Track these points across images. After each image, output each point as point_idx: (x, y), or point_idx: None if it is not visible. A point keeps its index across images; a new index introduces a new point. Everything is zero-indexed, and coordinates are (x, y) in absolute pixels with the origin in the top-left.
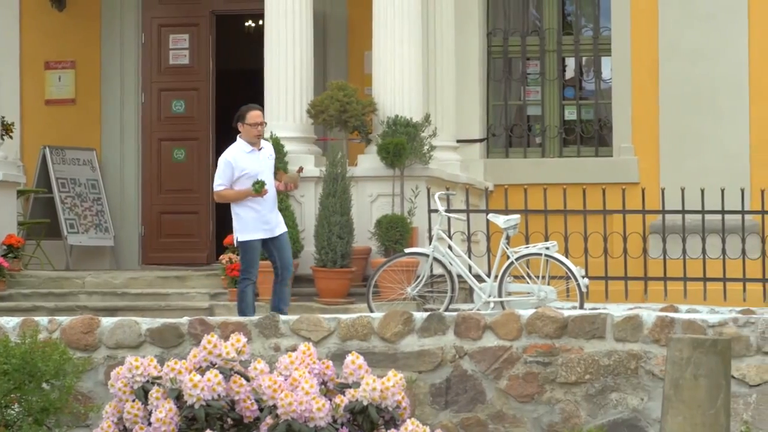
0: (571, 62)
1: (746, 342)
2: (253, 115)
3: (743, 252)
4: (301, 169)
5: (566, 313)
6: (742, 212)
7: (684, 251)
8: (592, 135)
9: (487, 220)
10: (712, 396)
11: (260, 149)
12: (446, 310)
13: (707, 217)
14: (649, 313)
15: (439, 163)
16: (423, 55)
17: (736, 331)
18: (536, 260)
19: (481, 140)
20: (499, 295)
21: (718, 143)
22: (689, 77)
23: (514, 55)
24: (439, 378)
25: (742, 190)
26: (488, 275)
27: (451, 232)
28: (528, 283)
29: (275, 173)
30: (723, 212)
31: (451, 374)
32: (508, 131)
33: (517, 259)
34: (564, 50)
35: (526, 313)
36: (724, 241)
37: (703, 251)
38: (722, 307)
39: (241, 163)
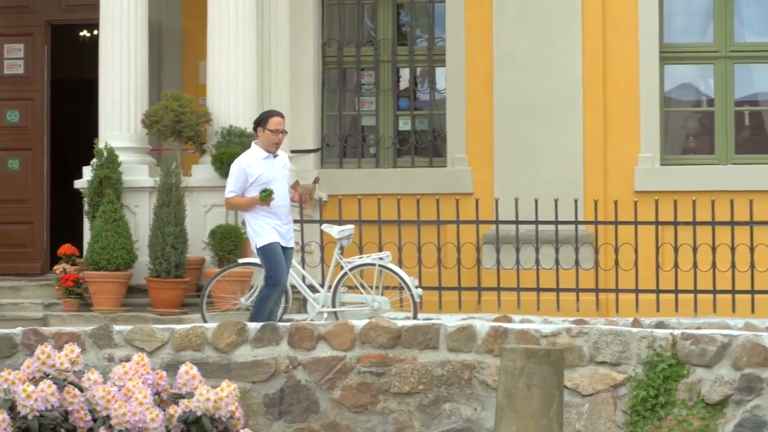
0: (405, 73)
1: (579, 352)
2: (275, 121)
3: (576, 262)
4: (317, 180)
5: (400, 323)
6: (576, 222)
7: (518, 261)
8: (426, 145)
9: (321, 231)
10: (545, 406)
11: (276, 156)
12: (280, 320)
13: (541, 227)
14: (483, 324)
15: None
16: (258, 66)
17: (569, 341)
18: (370, 270)
19: (315, 150)
20: (333, 306)
21: (552, 154)
22: (524, 87)
23: (348, 66)
24: (272, 388)
25: (576, 201)
26: (322, 285)
27: None
28: (362, 293)
29: (292, 184)
30: (556, 222)
31: (285, 384)
32: (343, 141)
33: (350, 270)
34: (399, 61)
35: (359, 323)
36: (557, 252)
37: (537, 261)
38: (556, 318)
39: (254, 169)
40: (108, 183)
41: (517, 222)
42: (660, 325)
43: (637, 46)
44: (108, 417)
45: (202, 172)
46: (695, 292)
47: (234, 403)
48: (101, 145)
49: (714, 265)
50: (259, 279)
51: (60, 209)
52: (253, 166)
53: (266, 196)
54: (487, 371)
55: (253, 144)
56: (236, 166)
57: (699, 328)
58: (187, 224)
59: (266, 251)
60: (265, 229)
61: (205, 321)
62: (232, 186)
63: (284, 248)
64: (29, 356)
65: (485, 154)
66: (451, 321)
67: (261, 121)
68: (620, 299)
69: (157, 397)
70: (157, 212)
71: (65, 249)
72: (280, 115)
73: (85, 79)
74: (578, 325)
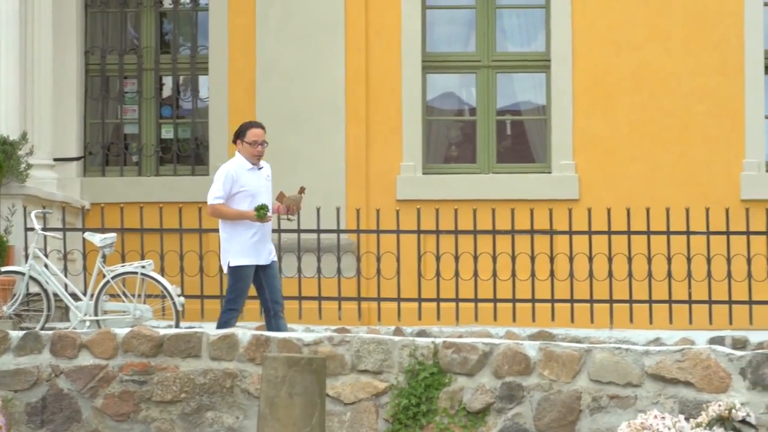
0: (168, 81)
1: (341, 360)
2: (253, 133)
3: (339, 271)
4: (302, 190)
5: (162, 331)
6: (338, 231)
7: (280, 270)
8: (188, 154)
9: (84, 239)
10: (307, 414)
11: (260, 168)
12: (42, 328)
13: (303, 235)
14: (245, 332)
15: (35, 182)
16: (20, 73)
17: (332, 349)
18: (132, 279)
19: (77, 158)
20: (95, 314)
21: (314, 162)
22: (287, 96)
23: (111, 74)
24: (35, 397)
25: (338, 209)
26: (84, 294)
27: (48, 251)
28: (124, 301)
29: (276, 196)
30: (318, 231)
31: (47, 393)
32: (105, 150)
33: (113, 278)
34: (162, 69)
35: (122, 331)
36: (319, 260)
37: (299, 270)
38: (318, 326)
39: (241, 179)
40: None
41: (279, 230)
42: (422, 334)
43: (400, 55)
44: None
45: None
46: (457, 300)
47: None
48: None
49: (476, 274)
50: (21, 287)
51: None
52: (240, 176)
53: (263, 214)
54: (249, 380)
55: (236, 153)
56: (224, 172)
57: (461, 336)
58: None
59: (237, 274)
60: (244, 247)
61: None
62: (219, 191)
63: (265, 266)
64: None
65: None
66: (213, 329)
67: (240, 134)
68: (382, 308)
69: None
70: None
71: None
72: (260, 126)
73: None
74: (340, 334)
